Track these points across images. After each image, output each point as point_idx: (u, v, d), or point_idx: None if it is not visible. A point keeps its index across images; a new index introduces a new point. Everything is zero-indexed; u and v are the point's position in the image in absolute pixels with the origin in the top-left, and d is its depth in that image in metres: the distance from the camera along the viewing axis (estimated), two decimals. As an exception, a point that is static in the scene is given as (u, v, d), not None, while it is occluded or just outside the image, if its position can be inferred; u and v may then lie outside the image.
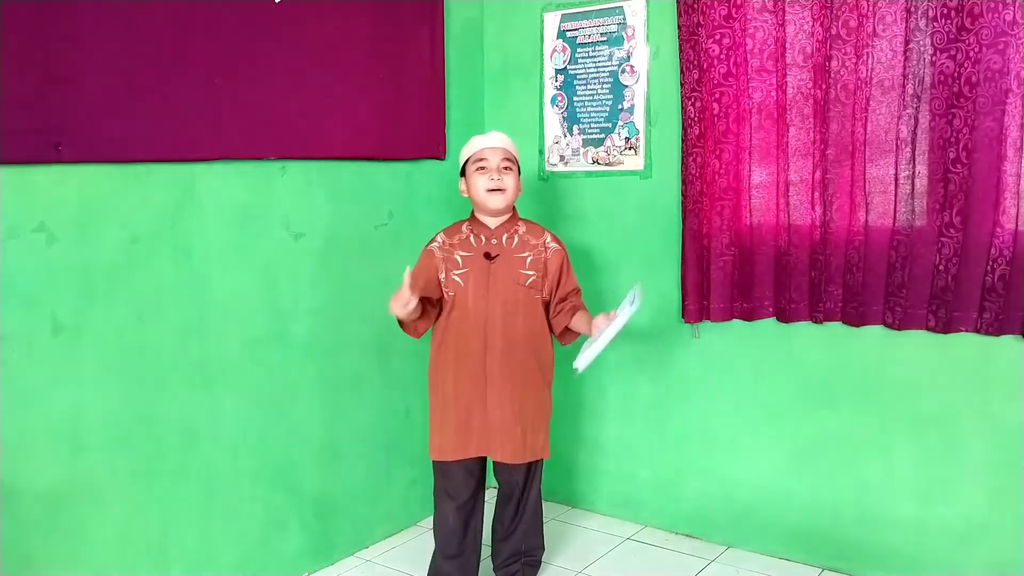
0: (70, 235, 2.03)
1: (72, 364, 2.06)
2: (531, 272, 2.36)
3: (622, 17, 2.91)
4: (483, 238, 2.37)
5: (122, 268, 2.14)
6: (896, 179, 2.42)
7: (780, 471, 2.76)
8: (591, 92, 3.01)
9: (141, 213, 2.17)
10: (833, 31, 2.44)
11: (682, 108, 2.74)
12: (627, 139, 2.94)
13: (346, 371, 2.75)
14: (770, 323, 2.71)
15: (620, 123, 2.95)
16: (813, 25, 2.49)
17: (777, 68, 2.56)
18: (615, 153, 2.97)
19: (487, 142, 2.37)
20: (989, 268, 2.29)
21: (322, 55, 2.56)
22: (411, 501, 3.01)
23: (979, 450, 2.42)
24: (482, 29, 3.24)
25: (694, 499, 2.95)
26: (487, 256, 2.35)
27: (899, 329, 2.46)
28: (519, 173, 2.41)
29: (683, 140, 2.74)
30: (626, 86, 2.92)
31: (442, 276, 2.37)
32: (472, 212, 2.43)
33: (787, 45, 2.53)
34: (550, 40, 3.09)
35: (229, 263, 2.39)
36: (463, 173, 2.41)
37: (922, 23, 2.33)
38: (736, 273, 2.71)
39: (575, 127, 3.06)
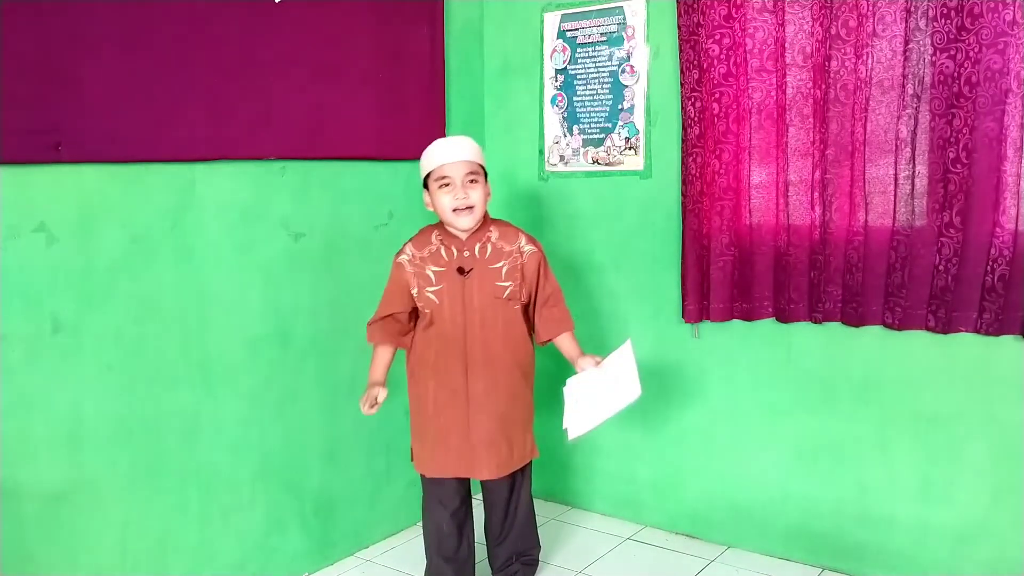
0: (70, 235, 2.03)
1: (72, 364, 2.06)
2: (507, 283, 2.28)
3: (622, 17, 2.91)
4: (455, 251, 2.27)
5: (122, 268, 2.14)
6: (896, 179, 2.42)
7: (780, 471, 2.76)
8: (591, 92, 3.01)
9: (141, 213, 2.18)
10: (833, 31, 2.44)
11: (682, 108, 2.74)
12: (627, 139, 2.94)
13: (346, 371, 2.75)
14: (770, 323, 2.71)
15: (620, 123, 2.95)
16: (813, 25, 2.49)
17: (777, 68, 2.56)
18: (615, 153, 2.97)
19: (448, 155, 2.21)
20: (989, 268, 2.29)
21: (322, 55, 2.56)
22: (411, 501, 3.01)
23: (979, 450, 2.42)
24: (482, 29, 3.24)
25: (694, 499, 2.95)
26: (460, 271, 2.27)
27: (899, 329, 2.46)
28: (487, 177, 2.29)
29: (683, 140, 2.74)
30: (626, 86, 2.92)
31: (414, 291, 2.30)
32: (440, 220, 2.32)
33: (787, 45, 2.53)
34: (550, 40, 3.09)
35: (229, 263, 2.40)
36: (425, 185, 2.27)
37: (922, 23, 2.33)
38: (736, 273, 2.71)
39: (575, 127, 3.06)
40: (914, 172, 2.39)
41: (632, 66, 2.91)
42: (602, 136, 3.00)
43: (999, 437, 2.38)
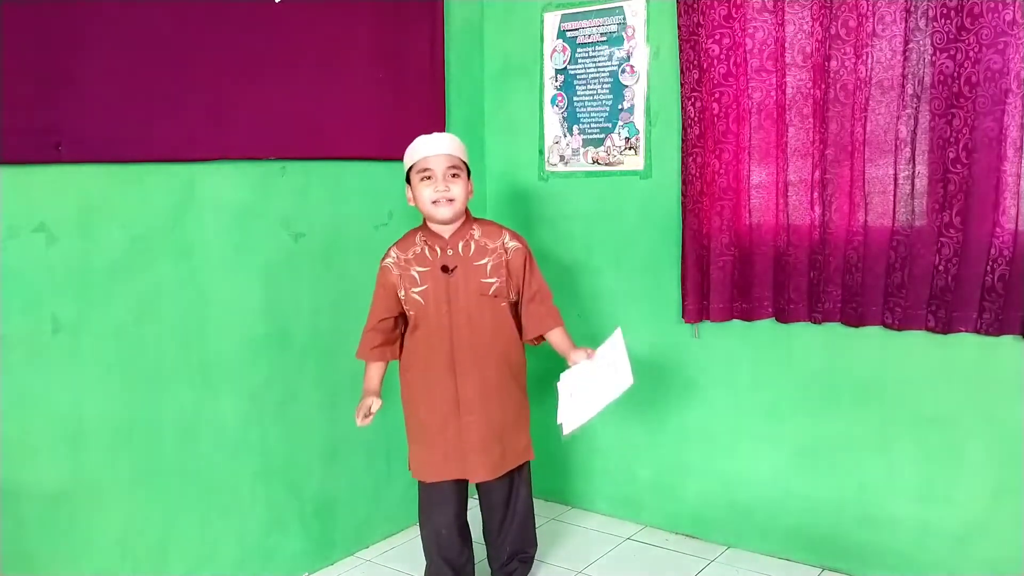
0: (70, 235, 2.03)
1: (72, 364, 2.06)
2: (493, 279, 2.28)
3: (622, 17, 2.91)
4: (438, 250, 2.27)
5: (122, 268, 2.14)
6: (895, 179, 2.42)
7: (780, 471, 2.76)
8: (591, 92, 3.01)
9: (141, 213, 2.18)
10: (832, 31, 2.44)
11: (682, 108, 2.74)
12: (627, 139, 2.94)
13: (346, 371, 2.75)
14: (770, 323, 2.71)
15: (620, 123, 2.95)
16: (812, 25, 2.49)
17: (777, 68, 2.56)
18: (615, 153, 2.97)
19: (430, 148, 2.22)
20: (989, 268, 2.29)
21: (322, 55, 2.56)
22: (411, 501, 2.99)
23: (979, 450, 2.42)
24: (482, 29, 3.24)
25: (694, 499, 2.95)
26: (444, 269, 2.27)
27: (899, 329, 2.46)
28: (469, 174, 2.31)
29: (683, 140, 2.74)
30: (626, 86, 2.93)
31: (401, 294, 2.30)
32: (424, 220, 2.32)
33: (786, 45, 2.53)
34: (550, 40, 3.09)
35: (229, 263, 2.40)
36: (408, 180, 2.29)
37: (922, 23, 2.33)
38: (736, 273, 2.71)
39: (575, 127, 3.06)
40: (914, 172, 2.39)
41: (632, 66, 2.91)
42: (602, 136, 3.00)
43: (999, 437, 2.38)
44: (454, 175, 2.23)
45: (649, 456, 3.03)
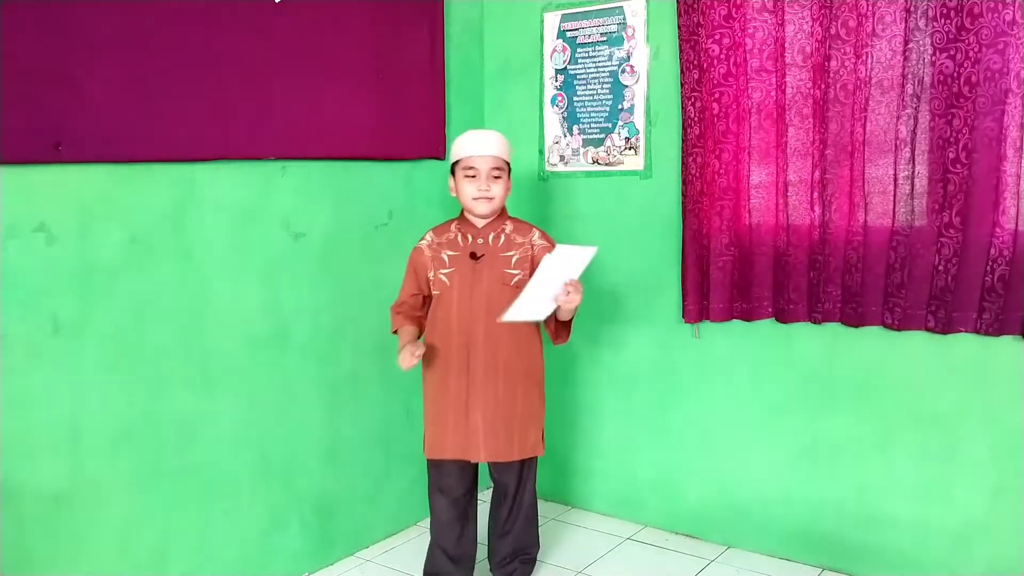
0: (70, 235, 2.03)
1: (72, 364, 2.06)
2: (516, 271, 2.35)
3: (622, 17, 2.91)
4: (470, 237, 2.37)
5: (122, 268, 2.14)
6: (895, 179, 2.42)
7: (780, 471, 2.76)
8: (591, 92, 3.01)
9: (141, 213, 2.18)
10: (832, 31, 2.44)
11: (682, 108, 2.74)
12: (627, 139, 2.94)
13: (346, 371, 2.76)
14: (770, 323, 2.71)
15: (620, 123, 2.95)
16: (812, 25, 2.49)
17: (776, 68, 2.56)
18: (615, 153, 2.97)
19: (477, 148, 2.31)
20: (989, 268, 2.29)
21: (322, 55, 2.56)
22: (411, 501, 3.01)
23: (979, 450, 2.42)
24: (482, 29, 3.24)
25: (694, 499, 2.95)
26: (472, 256, 2.35)
27: (898, 330, 2.46)
28: (510, 172, 2.40)
29: (683, 140, 2.74)
30: (626, 86, 2.93)
31: (431, 275, 2.39)
32: (462, 211, 2.42)
33: (786, 45, 2.53)
34: (550, 40, 3.09)
35: (229, 263, 2.40)
36: (452, 171, 2.38)
37: (922, 23, 2.33)
38: (735, 273, 2.71)
39: (575, 127, 3.06)
40: (914, 172, 2.39)
41: (632, 66, 2.91)
42: (602, 136, 3.00)
43: (999, 437, 2.38)
44: (496, 176, 2.33)
45: (649, 456, 3.03)
